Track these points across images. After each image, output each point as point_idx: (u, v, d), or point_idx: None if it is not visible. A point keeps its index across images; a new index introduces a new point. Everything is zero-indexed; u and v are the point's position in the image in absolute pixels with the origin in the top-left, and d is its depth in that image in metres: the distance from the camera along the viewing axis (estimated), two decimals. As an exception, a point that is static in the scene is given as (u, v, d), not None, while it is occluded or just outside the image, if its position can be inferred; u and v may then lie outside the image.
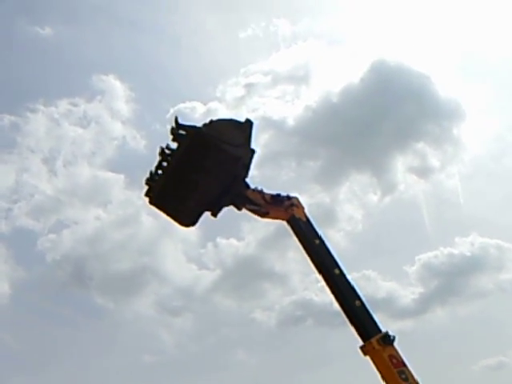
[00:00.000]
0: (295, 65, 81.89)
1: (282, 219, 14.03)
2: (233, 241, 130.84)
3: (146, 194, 13.34)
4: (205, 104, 69.87)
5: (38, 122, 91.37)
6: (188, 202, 13.19)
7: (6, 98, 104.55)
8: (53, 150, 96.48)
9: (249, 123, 13.09)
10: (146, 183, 13.19)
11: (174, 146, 13.12)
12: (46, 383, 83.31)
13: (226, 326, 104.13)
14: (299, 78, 79.36)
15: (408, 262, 66.28)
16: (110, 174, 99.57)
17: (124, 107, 79.22)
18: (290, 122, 65.66)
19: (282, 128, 68.06)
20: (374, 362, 13.02)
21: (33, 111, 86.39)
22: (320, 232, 13.75)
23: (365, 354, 13.10)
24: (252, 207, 13.62)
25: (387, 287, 76.10)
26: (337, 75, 76.20)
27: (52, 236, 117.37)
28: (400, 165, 61.11)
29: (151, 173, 13.12)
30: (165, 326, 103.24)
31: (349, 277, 13.48)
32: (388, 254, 72.57)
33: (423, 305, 58.02)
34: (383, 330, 13.22)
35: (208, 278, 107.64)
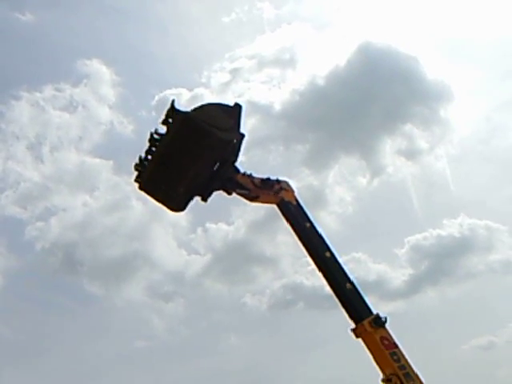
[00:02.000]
0: (281, 48, 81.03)
1: (272, 203, 14.06)
2: (222, 225, 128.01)
3: (136, 180, 13.27)
4: (190, 90, 69.27)
5: (22, 109, 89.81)
6: (177, 187, 13.17)
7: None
8: (39, 137, 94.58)
9: (238, 107, 13.09)
10: (135, 168, 13.14)
11: (163, 130, 13.08)
12: (40, 370, 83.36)
13: (217, 311, 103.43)
14: (285, 62, 78.74)
15: (398, 244, 66.52)
16: (98, 160, 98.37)
17: (110, 92, 78.18)
18: (277, 106, 65.33)
19: (268, 112, 67.69)
20: (365, 344, 13.09)
21: (16, 98, 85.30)
22: (310, 215, 13.79)
23: (357, 336, 13.14)
24: (242, 192, 13.61)
25: (378, 269, 76.24)
26: (323, 58, 75.59)
27: (40, 224, 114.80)
28: (388, 147, 61.06)
29: (140, 158, 13.08)
30: (156, 311, 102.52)
31: (340, 260, 13.53)
32: (378, 237, 72.64)
33: (414, 286, 58.32)
34: (374, 312, 13.28)
35: (198, 262, 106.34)
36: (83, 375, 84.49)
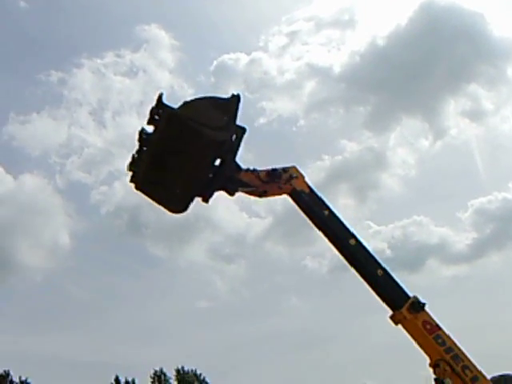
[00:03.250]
0: (339, 9, 78.44)
1: (283, 194, 12.81)
2: None
3: (131, 180, 11.97)
4: (248, 54, 67.63)
5: (83, 76, 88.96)
6: (174, 188, 11.96)
7: (51, 55, 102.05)
8: (101, 102, 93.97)
9: (235, 99, 11.67)
10: (129, 169, 11.87)
11: (151, 129, 11.77)
12: (106, 328, 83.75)
13: (277, 273, 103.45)
14: (344, 23, 76.76)
15: (461, 207, 64.72)
16: None
17: (169, 57, 77.18)
18: (336, 68, 63.64)
19: (328, 75, 65.64)
20: (406, 331, 12.16)
21: (78, 65, 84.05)
22: (327, 201, 12.56)
23: (396, 323, 12.16)
24: (247, 189, 12.43)
25: (440, 233, 74.82)
26: (383, 18, 73.30)
27: (104, 188, 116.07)
28: (452, 108, 59.17)
29: (133, 157, 11.81)
30: (218, 273, 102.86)
31: (366, 244, 12.42)
32: (440, 200, 70.98)
33: (477, 250, 56.62)
34: (411, 295, 12.24)
35: (259, 225, 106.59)
36: (148, 332, 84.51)
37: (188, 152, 11.29)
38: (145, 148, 11.67)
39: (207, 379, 62.06)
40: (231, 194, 12.17)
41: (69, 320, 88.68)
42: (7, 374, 58.80)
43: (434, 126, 60.22)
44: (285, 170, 12.39)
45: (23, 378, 58.96)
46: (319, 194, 12.52)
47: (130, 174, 11.93)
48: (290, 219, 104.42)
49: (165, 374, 61.92)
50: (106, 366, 60.73)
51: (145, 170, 11.63)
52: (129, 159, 11.84)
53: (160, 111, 11.24)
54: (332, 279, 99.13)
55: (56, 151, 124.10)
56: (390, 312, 12.27)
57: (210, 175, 11.81)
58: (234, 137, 11.62)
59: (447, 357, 11.74)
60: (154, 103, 11.29)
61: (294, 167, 12.50)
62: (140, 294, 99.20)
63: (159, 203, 12.20)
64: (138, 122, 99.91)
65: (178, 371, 62.29)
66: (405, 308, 11.89)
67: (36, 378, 61.15)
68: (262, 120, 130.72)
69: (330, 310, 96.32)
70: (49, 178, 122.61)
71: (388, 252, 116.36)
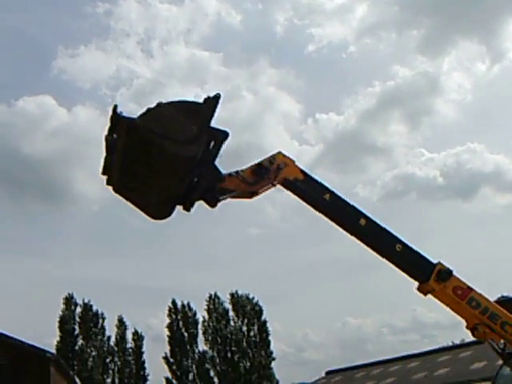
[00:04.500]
0: None
1: (276, 186, 11.62)
2: (333, 115, 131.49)
3: (108, 183, 10.82)
4: None
5: (129, 5, 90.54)
6: (149, 197, 10.77)
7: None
8: (147, 32, 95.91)
9: (211, 103, 9.97)
10: (103, 173, 10.66)
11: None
12: (163, 255, 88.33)
13: None
14: None
15: None
16: (207, 53, 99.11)
17: None
18: None
19: None
20: (438, 300, 11.76)
21: None
22: (326, 184, 11.55)
23: (425, 294, 11.79)
24: (234, 195, 11.23)
25: (495, 160, 74.32)
26: None
27: None
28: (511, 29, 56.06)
29: (105, 162, 10.54)
30: (269, 200, 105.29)
31: (377, 221, 11.65)
32: (496, 127, 69.94)
33: None
34: (434, 261, 11.81)
35: (310, 153, 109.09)
36: (202, 258, 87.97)
37: (155, 166, 10.02)
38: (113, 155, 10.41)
39: (260, 303, 64.61)
40: (212, 205, 10.88)
41: (126, 247, 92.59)
42: (71, 296, 63.17)
43: (491, 49, 57.89)
44: (271, 161, 11.15)
45: (86, 301, 63.18)
46: (315, 177, 11.56)
47: (106, 177, 10.78)
48: (341, 146, 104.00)
49: (219, 298, 64.67)
50: (163, 290, 63.76)
51: (118, 176, 10.49)
52: (102, 162, 10.56)
53: (117, 122, 9.87)
54: (383, 207, 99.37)
55: (106, 83, 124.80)
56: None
57: (186, 187, 10.59)
58: (212, 144, 10.28)
59: (484, 318, 11.46)
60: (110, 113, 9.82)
61: (279, 154, 11.29)
62: (193, 221, 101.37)
63: (138, 208, 11.11)
64: (186, 50, 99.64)
65: (232, 295, 64.93)
66: (432, 279, 11.49)
67: (98, 300, 65.22)
68: (311, 47, 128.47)
69: None
70: (101, 110, 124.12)
71: (440, 180, 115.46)
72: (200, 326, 63.50)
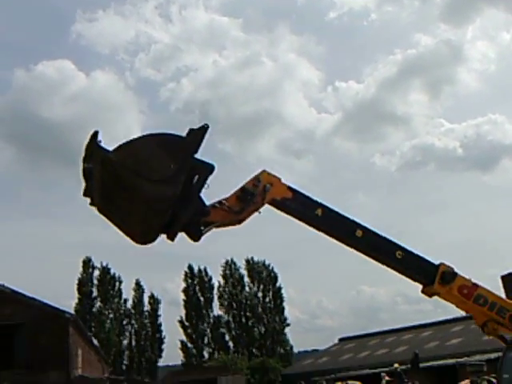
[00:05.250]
0: None
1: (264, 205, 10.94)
2: (352, 83, 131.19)
3: (91, 204, 10.19)
4: None
5: None
6: (131, 224, 10.10)
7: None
8: None
9: (195, 135, 9.26)
10: (84, 195, 10.04)
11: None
12: None
13: (346, 169, 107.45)
14: None
15: None
16: (226, 19, 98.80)
17: None
18: None
19: None
20: (444, 300, 11.55)
21: None
22: (317, 198, 10.92)
23: (430, 296, 11.72)
24: (222, 225, 10.52)
25: None
26: None
27: (173, 85, 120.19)
28: None
29: (85, 185, 9.95)
30: (287, 168, 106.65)
31: (374, 229, 11.23)
32: None
33: None
34: (436, 262, 11.39)
35: (328, 121, 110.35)
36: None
37: (132, 201, 9.37)
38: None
39: (275, 269, 65.59)
40: (196, 240, 10.11)
41: None
42: (89, 260, 64.22)
43: (518, 18, 56.58)
44: (255, 183, 10.39)
45: (104, 264, 64.23)
46: (303, 192, 10.95)
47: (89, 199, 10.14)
48: (360, 115, 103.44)
49: (235, 264, 65.64)
50: (180, 255, 64.30)
51: (99, 201, 9.87)
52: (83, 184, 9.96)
53: (93, 151, 9.23)
54: (401, 177, 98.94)
55: (124, 48, 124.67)
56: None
57: (168, 219, 9.77)
58: (196, 178, 9.50)
59: (492, 314, 11.32)
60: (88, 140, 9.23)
61: (264, 172, 10.57)
62: (210, 188, 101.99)
63: (122, 232, 10.32)
64: (205, 15, 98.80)
65: (247, 261, 65.91)
66: (436, 283, 11.22)
67: (116, 264, 68.48)
68: (332, 14, 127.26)
69: (397, 208, 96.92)
70: (119, 75, 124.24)
71: (460, 151, 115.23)
72: (215, 291, 64.37)
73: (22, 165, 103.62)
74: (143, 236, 10.13)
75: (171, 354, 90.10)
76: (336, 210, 10.97)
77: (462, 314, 11.98)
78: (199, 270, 65.24)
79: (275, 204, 10.79)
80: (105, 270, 63.51)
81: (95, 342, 39.11)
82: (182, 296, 64.29)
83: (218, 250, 61.01)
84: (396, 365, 23.22)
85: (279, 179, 10.66)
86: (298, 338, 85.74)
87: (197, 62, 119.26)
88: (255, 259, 65.63)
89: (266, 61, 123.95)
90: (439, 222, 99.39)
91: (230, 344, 64.13)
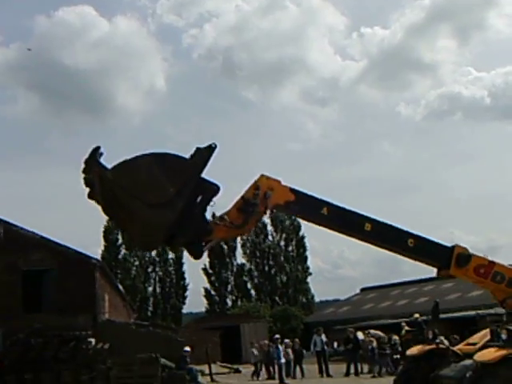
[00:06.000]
0: None
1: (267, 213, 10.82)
2: (378, 30, 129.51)
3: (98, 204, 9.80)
4: None
5: None
6: (132, 234, 9.93)
7: None
8: None
9: (202, 155, 8.80)
10: (89, 197, 9.54)
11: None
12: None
13: (370, 118, 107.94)
14: None
15: None
16: None
17: None
18: None
19: None
20: (462, 279, 11.80)
21: None
22: (319, 197, 10.58)
23: (447, 277, 11.74)
24: (226, 239, 10.19)
25: None
26: None
27: (195, 31, 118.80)
28: None
29: (89, 193, 9.50)
30: (311, 116, 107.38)
31: (383, 220, 11.01)
32: None
33: None
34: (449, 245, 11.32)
35: (353, 69, 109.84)
36: (240, 172, 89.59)
37: (130, 218, 9.03)
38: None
39: (298, 219, 65.44)
40: (197, 258, 9.80)
41: None
42: None
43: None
44: (255, 192, 9.83)
45: None
46: (306, 192, 10.51)
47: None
48: (386, 62, 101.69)
49: None
50: None
51: (102, 206, 9.49)
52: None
53: (91, 166, 8.93)
54: (426, 127, 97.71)
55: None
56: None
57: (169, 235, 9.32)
58: (200, 198, 9.09)
59: (510, 291, 11.34)
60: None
61: (262, 177, 10.04)
62: (233, 136, 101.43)
63: (128, 236, 9.82)
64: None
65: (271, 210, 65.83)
66: (452, 267, 11.11)
67: None
68: None
69: (421, 157, 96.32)
70: (141, 21, 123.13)
71: (487, 100, 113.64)
72: (239, 240, 64.81)
73: (45, 113, 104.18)
74: (145, 246, 9.80)
75: (195, 302, 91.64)
76: (342, 205, 10.67)
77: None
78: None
79: (279, 209, 10.64)
80: (130, 218, 64.06)
81: (121, 288, 39.95)
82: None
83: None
84: (416, 315, 23.45)
85: (279, 182, 10.20)
86: (320, 288, 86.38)
87: (219, 7, 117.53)
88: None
89: (290, 5, 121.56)
90: (464, 173, 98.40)
91: (253, 292, 65.09)
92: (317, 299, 67.67)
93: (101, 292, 28.06)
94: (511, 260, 13.17)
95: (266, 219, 65.12)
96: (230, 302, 64.72)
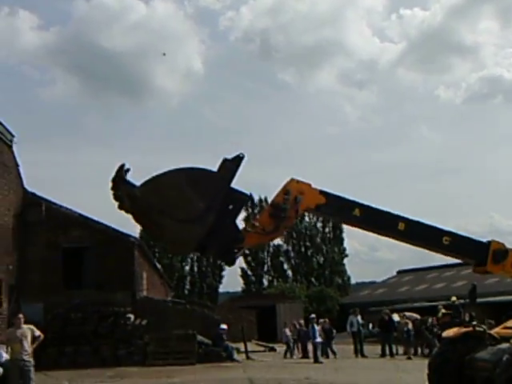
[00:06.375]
0: None
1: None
2: (418, 11, 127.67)
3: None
4: None
5: None
6: (164, 242, 10.02)
7: None
8: None
9: (229, 167, 8.78)
10: (119, 208, 9.39)
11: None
12: (238, 151, 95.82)
13: (409, 101, 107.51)
14: None
15: None
16: None
17: None
18: None
19: None
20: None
21: None
22: (350, 198, 10.56)
23: (483, 273, 11.59)
24: (258, 245, 10.19)
25: None
26: None
27: (232, 13, 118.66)
28: None
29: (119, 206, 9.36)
30: (348, 99, 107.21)
31: (416, 218, 10.84)
32: None
33: None
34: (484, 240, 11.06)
35: (392, 51, 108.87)
36: (277, 155, 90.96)
37: (161, 232, 9.10)
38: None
39: None
40: (230, 265, 9.84)
41: (202, 142, 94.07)
42: None
43: None
44: (285, 197, 9.81)
45: None
46: (337, 194, 10.49)
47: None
48: (426, 44, 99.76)
49: None
50: (240, 184, 65.48)
51: (134, 219, 9.41)
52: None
53: (119, 185, 8.96)
54: (466, 110, 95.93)
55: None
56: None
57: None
58: (231, 207, 9.05)
59: None
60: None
61: (292, 181, 10.02)
62: (270, 118, 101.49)
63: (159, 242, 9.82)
64: None
65: None
66: (489, 263, 10.84)
67: None
68: None
69: (460, 142, 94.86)
70: (178, 4, 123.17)
71: None
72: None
73: (84, 95, 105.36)
74: (177, 252, 9.52)
75: (231, 281, 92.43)
76: (374, 206, 10.53)
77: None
78: (260, 200, 66.07)
79: (311, 212, 10.65)
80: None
81: (159, 266, 40.47)
82: (242, 224, 65.01)
83: (279, 179, 61.13)
84: (453, 298, 23.30)
85: (309, 185, 10.13)
86: (356, 270, 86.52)
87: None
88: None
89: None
90: (504, 157, 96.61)
91: (289, 273, 65.36)
92: (353, 281, 67.69)
93: (139, 270, 28.47)
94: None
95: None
96: (266, 282, 65.15)
